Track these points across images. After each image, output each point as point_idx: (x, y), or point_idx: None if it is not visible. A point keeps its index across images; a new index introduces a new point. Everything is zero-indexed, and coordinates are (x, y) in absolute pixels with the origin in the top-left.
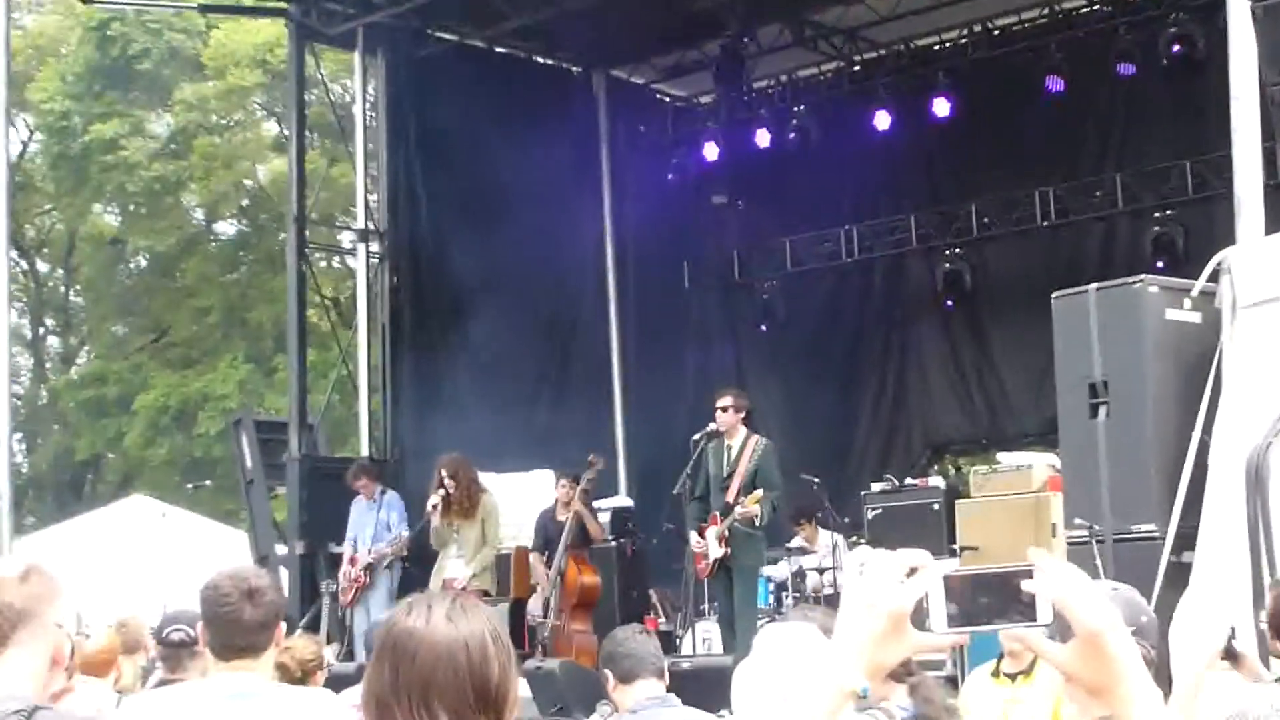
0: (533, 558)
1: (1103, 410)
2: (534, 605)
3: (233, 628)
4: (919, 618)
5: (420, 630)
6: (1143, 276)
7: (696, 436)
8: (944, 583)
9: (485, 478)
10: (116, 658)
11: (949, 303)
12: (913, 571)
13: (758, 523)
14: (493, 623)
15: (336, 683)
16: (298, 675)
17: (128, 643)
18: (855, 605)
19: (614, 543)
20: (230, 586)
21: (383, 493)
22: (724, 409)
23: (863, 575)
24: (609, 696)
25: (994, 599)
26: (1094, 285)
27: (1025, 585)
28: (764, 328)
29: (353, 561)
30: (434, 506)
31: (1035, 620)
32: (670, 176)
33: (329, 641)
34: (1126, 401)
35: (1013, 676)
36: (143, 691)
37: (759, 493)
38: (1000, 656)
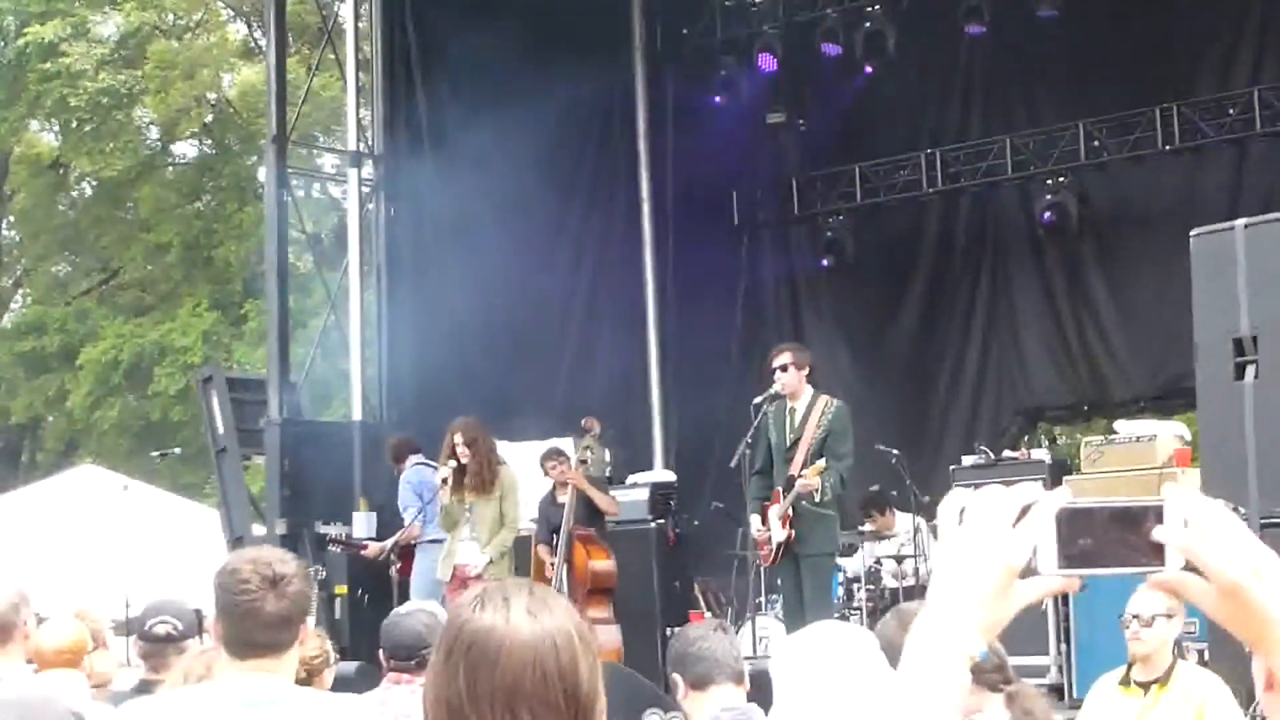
0: (541, 550)
1: (1250, 371)
2: None
3: (252, 621)
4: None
5: (501, 629)
6: None
7: (758, 400)
8: (1059, 517)
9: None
10: (84, 654)
11: (1047, 241)
12: (1024, 512)
13: (818, 498)
14: (574, 616)
15: (336, 685)
16: (302, 675)
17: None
18: (960, 560)
19: (652, 525)
20: (250, 572)
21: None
22: (782, 368)
23: (965, 524)
24: (678, 704)
25: (1116, 539)
26: (1243, 220)
27: (1155, 535)
28: (827, 271)
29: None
30: (444, 481)
31: (1163, 566)
32: (718, 90)
33: None
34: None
35: (1145, 686)
36: (139, 699)
37: (821, 463)
38: (1130, 664)
